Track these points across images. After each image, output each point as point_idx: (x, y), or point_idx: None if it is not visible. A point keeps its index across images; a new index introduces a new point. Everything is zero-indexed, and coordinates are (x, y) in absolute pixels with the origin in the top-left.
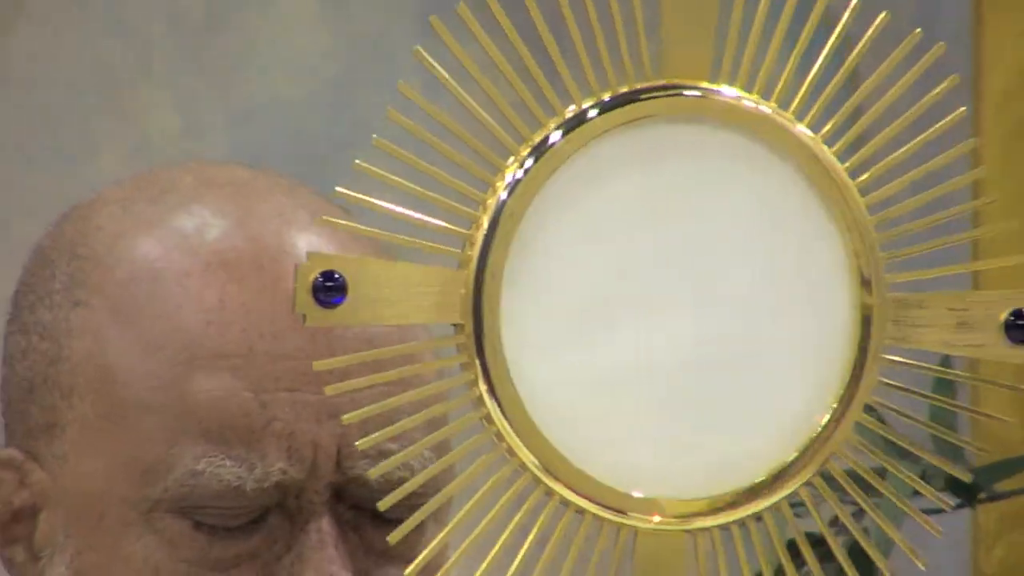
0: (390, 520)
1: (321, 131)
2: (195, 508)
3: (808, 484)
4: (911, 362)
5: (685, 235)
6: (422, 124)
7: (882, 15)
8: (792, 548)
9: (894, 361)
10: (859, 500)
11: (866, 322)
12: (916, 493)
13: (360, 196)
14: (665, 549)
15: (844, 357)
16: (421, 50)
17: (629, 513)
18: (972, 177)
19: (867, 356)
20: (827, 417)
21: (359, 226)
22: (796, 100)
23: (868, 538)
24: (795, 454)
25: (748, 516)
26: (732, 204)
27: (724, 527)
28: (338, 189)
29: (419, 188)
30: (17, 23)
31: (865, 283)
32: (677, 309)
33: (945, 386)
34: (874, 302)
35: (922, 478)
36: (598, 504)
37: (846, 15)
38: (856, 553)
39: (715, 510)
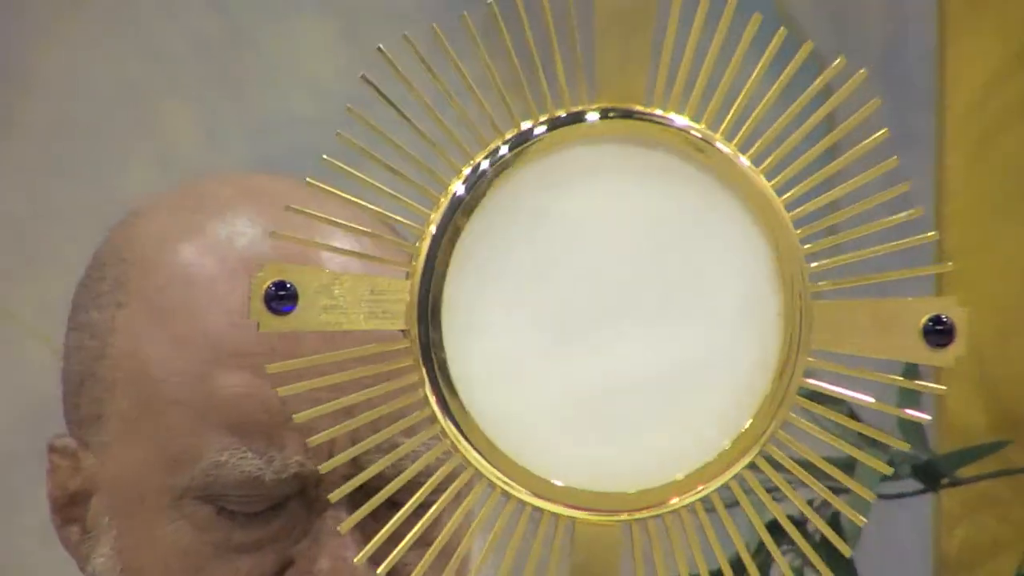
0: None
1: (334, 146)
2: (219, 495)
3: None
4: (834, 366)
5: (620, 248)
6: (373, 146)
7: (806, 45)
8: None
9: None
10: (784, 489)
11: (791, 328)
12: (885, 479)
13: (310, 212)
14: (600, 540)
15: (771, 361)
16: (367, 76)
17: (565, 505)
18: (896, 192)
19: (793, 360)
20: (752, 419)
21: (310, 240)
22: (725, 122)
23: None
24: (712, 455)
25: (679, 508)
26: (664, 219)
27: (657, 518)
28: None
29: (368, 204)
30: (53, 45)
31: (790, 291)
32: (612, 316)
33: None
34: (799, 309)
35: (890, 465)
36: (537, 496)
37: (774, 41)
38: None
39: (648, 504)
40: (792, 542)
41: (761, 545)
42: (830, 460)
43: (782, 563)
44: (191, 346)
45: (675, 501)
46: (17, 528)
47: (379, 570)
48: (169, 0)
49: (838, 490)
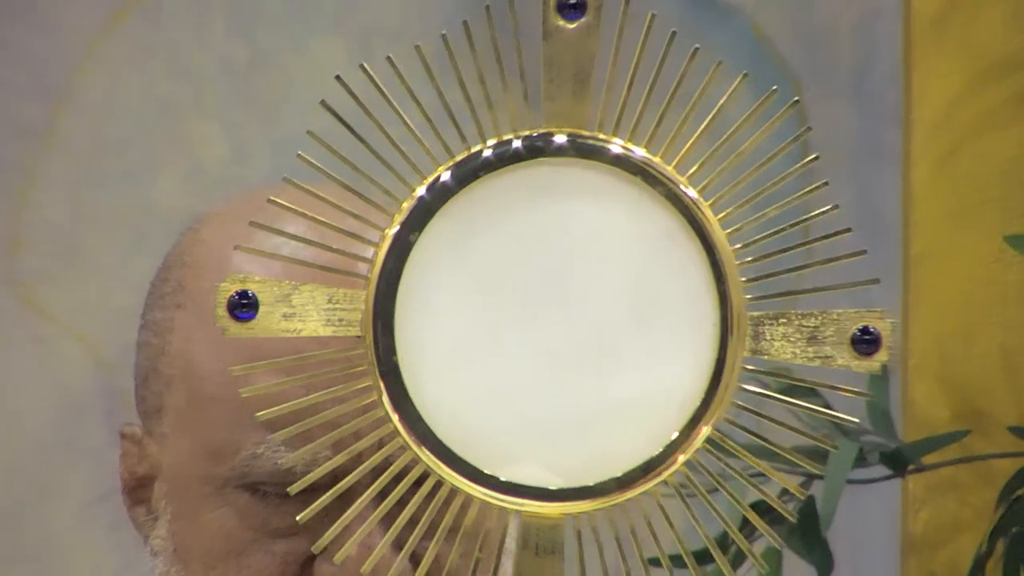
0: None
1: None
2: (256, 484)
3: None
4: (763, 371)
5: (564, 262)
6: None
7: (716, 66)
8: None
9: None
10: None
11: (726, 337)
12: (857, 466)
13: (270, 227)
14: (545, 531)
15: (707, 369)
16: (326, 102)
17: (512, 498)
18: (828, 212)
19: (727, 366)
20: (687, 420)
21: (270, 253)
22: (664, 146)
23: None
24: (660, 451)
25: (620, 502)
26: (606, 235)
27: (599, 511)
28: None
29: (325, 220)
30: (92, 67)
31: (726, 304)
32: (556, 324)
33: (880, 383)
34: (734, 320)
35: (861, 453)
36: (484, 487)
37: (710, 72)
38: (807, 517)
39: (588, 497)
40: (772, 523)
41: (742, 527)
42: (802, 449)
43: (769, 535)
44: (231, 348)
45: (616, 496)
46: (52, 512)
47: (336, 556)
48: (197, 26)
49: (812, 476)
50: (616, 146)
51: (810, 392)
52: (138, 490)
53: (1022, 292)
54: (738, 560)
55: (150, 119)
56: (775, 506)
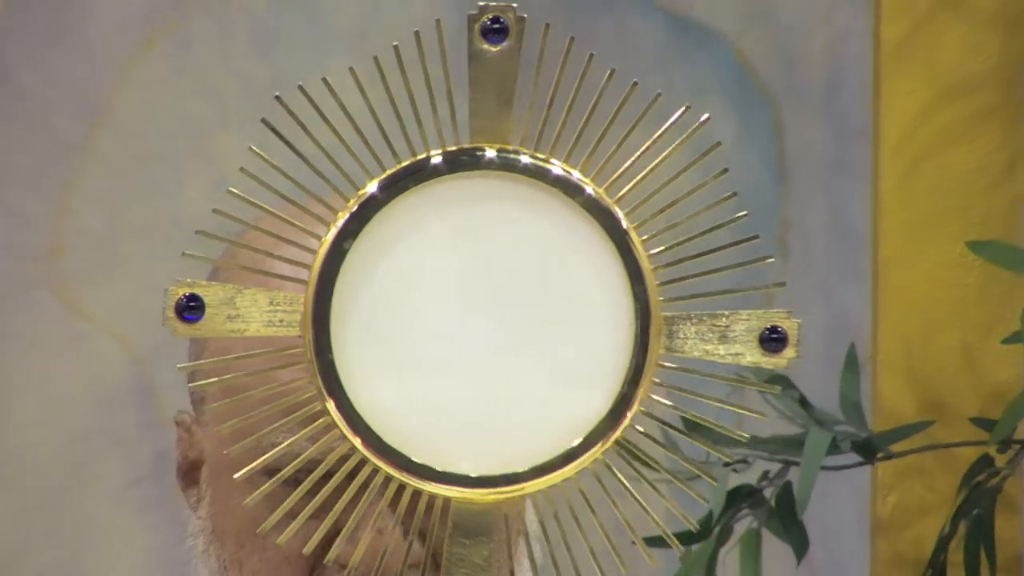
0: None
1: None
2: (277, 470)
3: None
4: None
5: (487, 266)
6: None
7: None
8: (729, 498)
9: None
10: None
11: (643, 336)
12: (830, 453)
13: (217, 236)
14: (474, 515)
15: (625, 365)
16: (266, 119)
17: (442, 486)
18: (738, 219)
19: (644, 364)
20: (607, 413)
21: (212, 258)
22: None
23: None
24: (579, 440)
25: (541, 488)
26: (527, 241)
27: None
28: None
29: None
30: (126, 86)
31: (643, 305)
32: (482, 323)
33: (851, 378)
34: (651, 320)
35: (834, 441)
36: (416, 477)
37: (627, 90)
38: (784, 500)
39: (513, 483)
40: (752, 506)
41: (725, 510)
42: (783, 438)
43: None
44: (260, 346)
45: (538, 482)
46: (91, 496)
47: (279, 539)
48: (223, 48)
49: (789, 462)
50: (537, 159)
51: (786, 384)
52: (190, 473)
53: (981, 293)
54: (723, 538)
55: (179, 135)
56: (678, 514)
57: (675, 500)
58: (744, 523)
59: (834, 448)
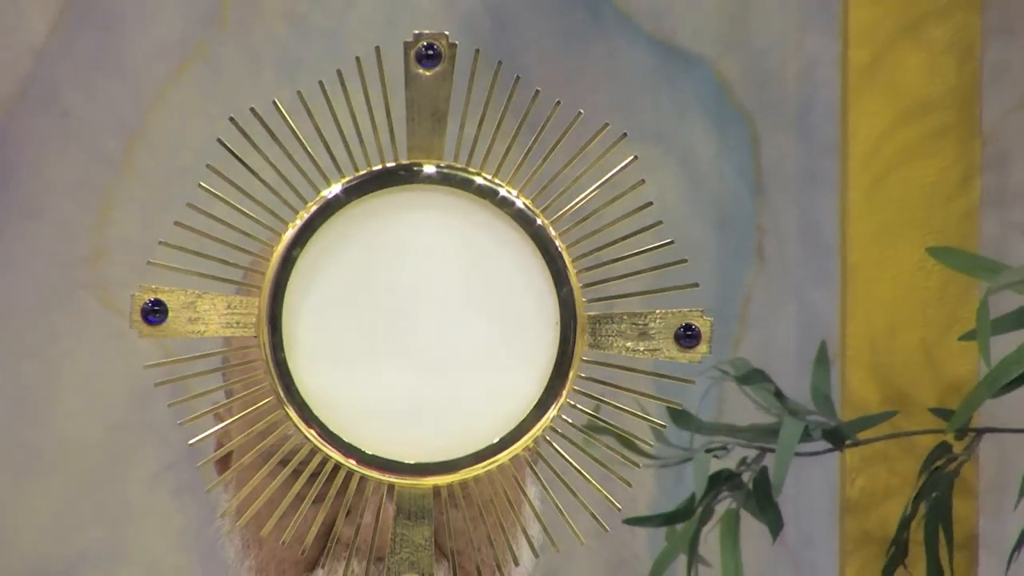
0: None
1: None
2: (286, 461)
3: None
4: (608, 363)
5: (424, 271)
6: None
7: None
8: (710, 482)
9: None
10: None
11: (567, 334)
12: (802, 440)
13: (178, 247)
14: (416, 499)
15: (550, 361)
16: (222, 140)
17: (385, 473)
18: (652, 229)
19: (569, 360)
20: (533, 406)
21: (180, 267)
22: (511, 175)
23: None
24: (511, 430)
25: (478, 474)
26: (461, 248)
27: (461, 483)
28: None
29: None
30: (161, 107)
31: (566, 307)
32: (421, 322)
33: (822, 372)
34: (573, 320)
35: (806, 430)
36: (360, 463)
37: (551, 112)
38: (760, 484)
39: (452, 470)
40: (731, 489)
41: (706, 492)
42: (760, 427)
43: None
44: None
45: (474, 468)
46: (128, 480)
47: (283, 537)
48: (249, 72)
49: (765, 449)
50: (468, 174)
51: (763, 377)
52: (224, 460)
53: (940, 295)
54: (705, 518)
55: (207, 151)
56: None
57: (660, 482)
58: (724, 504)
59: (806, 436)
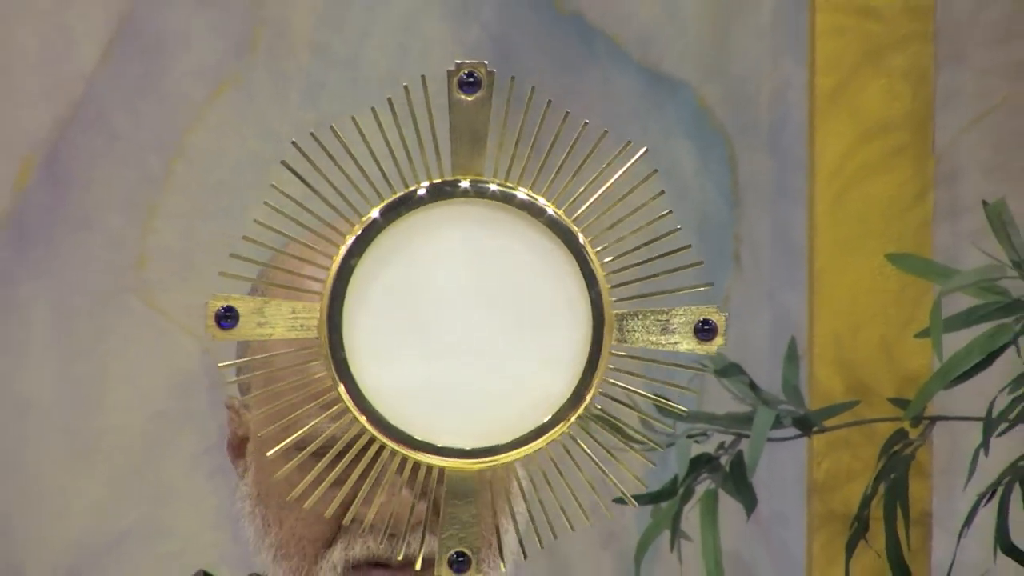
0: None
1: None
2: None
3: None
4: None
5: (470, 276)
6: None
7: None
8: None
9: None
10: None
11: (598, 331)
12: (773, 427)
13: (249, 258)
14: (464, 480)
15: (583, 355)
16: (286, 162)
17: (438, 457)
18: (672, 234)
19: (599, 354)
20: (569, 395)
21: (252, 278)
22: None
23: None
24: (548, 418)
25: (518, 458)
26: (501, 255)
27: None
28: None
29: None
30: (199, 126)
31: (597, 307)
32: (465, 322)
33: (792, 366)
34: (603, 318)
35: (777, 418)
36: (415, 450)
37: (579, 130)
38: (736, 466)
39: (494, 454)
40: (710, 471)
41: (687, 474)
42: (736, 415)
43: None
44: (294, 344)
45: (515, 453)
46: (169, 465)
47: (305, 504)
48: (278, 97)
49: (740, 435)
50: (506, 187)
51: (739, 371)
52: (238, 448)
53: (898, 297)
54: (686, 497)
55: (242, 168)
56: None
57: (647, 465)
58: (704, 485)
59: (777, 423)
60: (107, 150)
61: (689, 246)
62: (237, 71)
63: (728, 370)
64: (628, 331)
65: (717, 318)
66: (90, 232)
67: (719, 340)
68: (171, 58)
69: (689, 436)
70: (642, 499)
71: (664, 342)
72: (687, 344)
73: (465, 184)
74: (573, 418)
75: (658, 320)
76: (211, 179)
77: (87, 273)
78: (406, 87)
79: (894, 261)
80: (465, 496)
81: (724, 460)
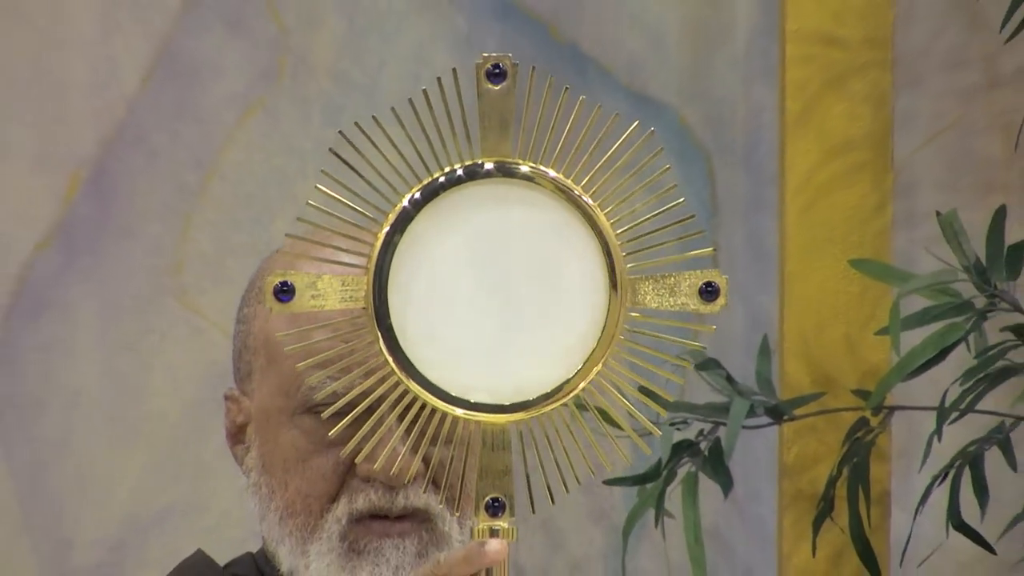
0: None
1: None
2: (314, 408)
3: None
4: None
5: (500, 248)
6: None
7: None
8: (673, 450)
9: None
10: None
11: (616, 294)
12: (750, 415)
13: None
14: (497, 433)
15: (603, 316)
16: (334, 150)
17: (474, 412)
18: (685, 218)
19: (617, 315)
20: (589, 353)
21: (303, 255)
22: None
23: None
24: (570, 376)
25: (542, 413)
26: (528, 228)
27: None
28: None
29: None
30: (230, 145)
31: (616, 273)
32: (500, 290)
33: (765, 360)
34: (621, 283)
35: (751, 407)
36: (455, 406)
37: (591, 115)
38: (714, 451)
39: (522, 410)
40: (691, 455)
41: (670, 458)
42: (714, 405)
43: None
44: (296, 322)
45: (540, 408)
46: (204, 448)
47: (342, 452)
48: (301, 119)
49: (718, 423)
50: (532, 167)
51: (716, 365)
52: (237, 433)
53: (860, 299)
54: (669, 479)
55: (269, 182)
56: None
57: (634, 449)
58: (685, 468)
59: (751, 412)
60: (147, 166)
61: (693, 216)
62: (265, 96)
63: (707, 364)
64: (640, 293)
65: (719, 280)
66: (132, 240)
67: (721, 300)
68: (205, 84)
69: (672, 424)
70: (629, 480)
71: (673, 303)
72: (693, 304)
73: (493, 166)
74: (593, 374)
75: (667, 284)
76: (241, 192)
77: (130, 277)
78: (439, 79)
79: (856, 266)
80: (499, 447)
81: (703, 445)
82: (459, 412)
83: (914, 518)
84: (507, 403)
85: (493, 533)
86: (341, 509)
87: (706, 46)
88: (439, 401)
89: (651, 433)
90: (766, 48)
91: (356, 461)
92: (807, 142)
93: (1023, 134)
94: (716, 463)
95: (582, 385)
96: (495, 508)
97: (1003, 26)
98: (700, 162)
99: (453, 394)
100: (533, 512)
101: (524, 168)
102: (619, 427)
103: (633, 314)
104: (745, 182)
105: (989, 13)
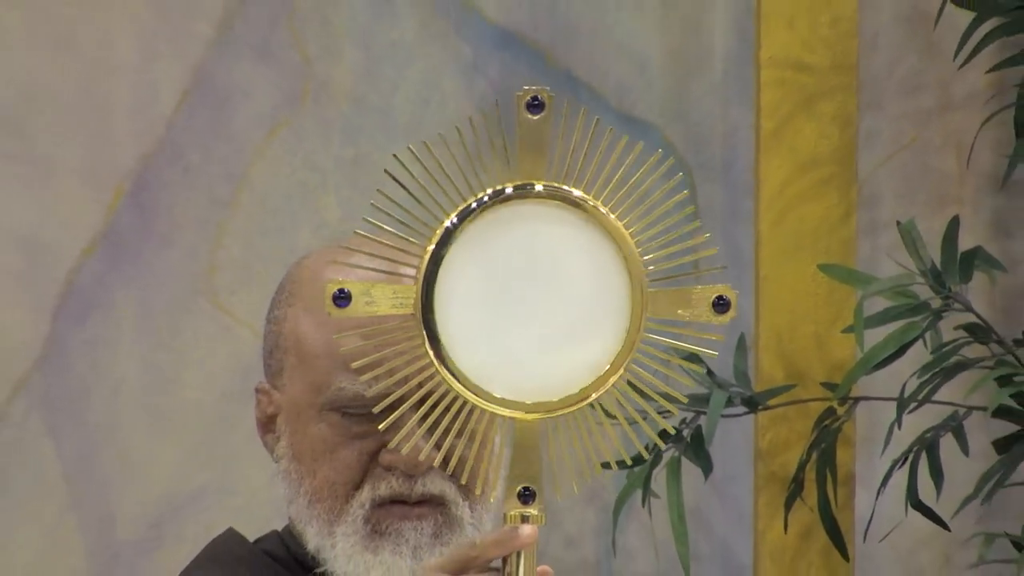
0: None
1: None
2: (342, 406)
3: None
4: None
5: (536, 264)
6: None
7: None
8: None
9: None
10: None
11: (635, 305)
12: (728, 405)
13: (358, 250)
14: (530, 430)
15: (623, 325)
16: (389, 170)
17: (509, 410)
18: (698, 234)
19: (636, 325)
20: (614, 358)
21: (360, 266)
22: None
23: None
24: (593, 380)
25: (569, 412)
26: (559, 246)
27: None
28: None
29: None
30: (256, 161)
31: (636, 285)
32: (530, 300)
33: (742, 355)
34: (640, 295)
35: (729, 399)
36: (491, 403)
37: (619, 145)
38: (696, 438)
39: (550, 410)
40: (675, 442)
41: (656, 446)
42: (695, 395)
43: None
44: (326, 326)
45: (565, 408)
46: (235, 438)
47: (397, 447)
48: (323, 137)
49: (699, 412)
50: (563, 189)
51: (698, 360)
52: (268, 424)
53: (827, 300)
54: (655, 462)
55: (294, 195)
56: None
57: (623, 436)
58: (669, 453)
59: (729, 403)
60: (184, 180)
61: (708, 235)
62: (290, 117)
63: (689, 359)
64: (659, 306)
65: (730, 294)
66: (170, 247)
67: (731, 312)
68: (236, 106)
69: (659, 413)
70: (619, 464)
71: (687, 314)
72: (706, 316)
73: (534, 187)
74: (616, 378)
75: (682, 296)
76: (268, 204)
77: (167, 281)
78: (484, 111)
79: (824, 270)
80: (528, 442)
81: (686, 433)
82: (495, 409)
83: (876, 498)
84: (534, 402)
85: (524, 519)
86: (365, 495)
87: (687, 72)
88: (475, 397)
89: (666, 430)
90: (742, 73)
91: (402, 451)
92: (780, 158)
93: (974, 152)
94: (697, 448)
95: (604, 389)
96: (526, 496)
97: (956, 54)
98: (684, 177)
99: (493, 392)
100: (559, 499)
101: (558, 189)
102: (638, 423)
103: (651, 324)
104: (723, 195)
105: (944, 43)
